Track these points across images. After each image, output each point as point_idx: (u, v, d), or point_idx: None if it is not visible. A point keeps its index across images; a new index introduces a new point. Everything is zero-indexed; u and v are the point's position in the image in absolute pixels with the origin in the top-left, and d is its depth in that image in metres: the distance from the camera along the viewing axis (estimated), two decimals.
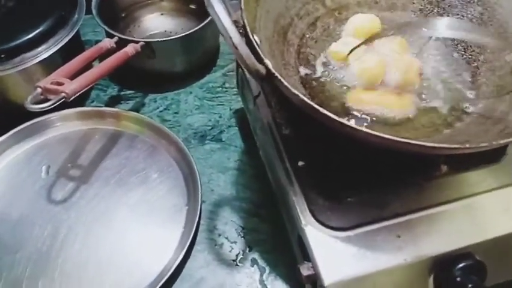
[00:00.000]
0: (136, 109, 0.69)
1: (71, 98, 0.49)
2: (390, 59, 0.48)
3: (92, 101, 0.71)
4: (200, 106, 0.70)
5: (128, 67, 0.64)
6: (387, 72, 0.47)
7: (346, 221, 0.42)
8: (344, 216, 0.42)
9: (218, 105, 0.71)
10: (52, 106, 0.48)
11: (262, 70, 0.35)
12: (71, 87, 0.49)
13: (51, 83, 0.50)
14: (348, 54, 0.47)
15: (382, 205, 0.43)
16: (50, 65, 0.61)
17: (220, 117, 0.69)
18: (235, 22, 0.39)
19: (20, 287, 0.50)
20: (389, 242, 0.41)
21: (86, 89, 0.52)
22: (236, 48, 0.32)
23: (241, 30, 0.38)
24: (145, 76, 0.72)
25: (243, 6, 0.39)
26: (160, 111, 0.69)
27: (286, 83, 0.34)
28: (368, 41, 0.49)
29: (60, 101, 0.49)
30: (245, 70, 0.34)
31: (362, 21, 0.50)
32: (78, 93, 0.50)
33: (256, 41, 0.39)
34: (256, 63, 0.34)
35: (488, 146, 0.32)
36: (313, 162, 0.46)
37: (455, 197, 0.44)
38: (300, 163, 0.46)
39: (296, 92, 0.34)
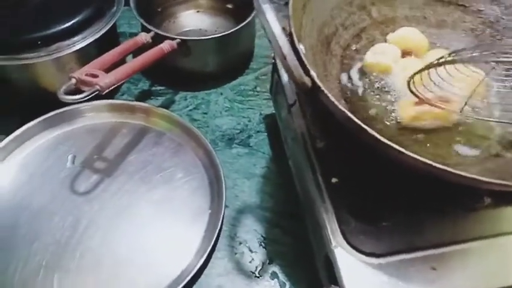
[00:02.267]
0: (166, 106, 0.68)
1: (105, 91, 0.49)
2: (454, 71, 0.46)
3: (123, 94, 0.70)
4: (230, 108, 0.69)
5: (160, 63, 0.63)
6: (452, 84, 0.45)
7: (379, 247, 0.40)
8: (377, 242, 0.40)
9: (248, 108, 0.69)
10: (86, 98, 0.47)
11: (308, 82, 0.33)
12: (105, 81, 0.48)
13: (86, 75, 0.49)
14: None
15: (417, 233, 0.41)
16: (84, 55, 0.61)
17: (249, 121, 0.67)
18: (282, 29, 0.38)
19: (36, 277, 0.50)
20: (422, 274, 0.39)
21: (120, 83, 0.51)
22: (285, 58, 0.31)
23: (287, 38, 0.37)
24: (177, 73, 0.71)
25: (291, 14, 0.38)
26: (190, 110, 0.68)
27: (332, 98, 0.32)
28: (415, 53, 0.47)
29: (94, 94, 0.48)
30: (291, 81, 0.32)
31: (412, 34, 0.48)
32: (112, 87, 0.49)
33: (302, 51, 0.37)
34: (303, 75, 0.32)
35: None
36: (348, 180, 0.44)
37: (497, 233, 0.41)
38: (334, 180, 0.44)
39: (342, 108, 0.32)
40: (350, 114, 0.32)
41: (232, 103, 0.70)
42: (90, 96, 0.48)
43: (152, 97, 0.70)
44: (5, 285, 0.49)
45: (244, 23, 0.67)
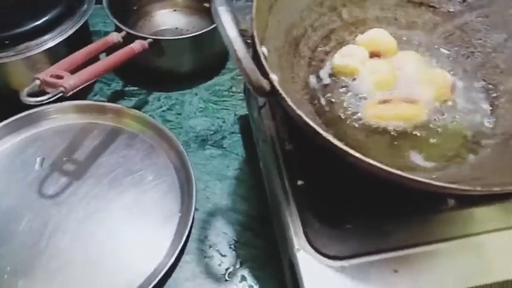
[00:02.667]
0: (139, 106, 0.68)
1: (70, 93, 0.48)
2: (420, 72, 0.46)
3: (95, 95, 0.69)
4: (204, 109, 0.68)
5: (134, 63, 0.62)
6: (417, 85, 0.45)
7: (342, 250, 0.40)
8: (341, 244, 0.40)
9: (223, 109, 0.69)
10: (49, 100, 0.46)
11: (267, 86, 0.33)
12: (70, 82, 0.47)
13: (51, 76, 0.48)
14: None
15: (381, 236, 0.41)
16: (55, 55, 0.60)
17: (223, 122, 0.67)
18: (243, 31, 0.37)
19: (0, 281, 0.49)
20: (384, 276, 0.39)
21: (86, 84, 0.50)
22: (240, 62, 0.30)
23: (248, 40, 0.36)
24: (150, 73, 0.70)
25: (254, 16, 0.37)
26: (163, 111, 0.67)
27: (290, 102, 0.32)
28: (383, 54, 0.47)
29: (58, 95, 0.47)
30: (248, 85, 0.32)
31: (381, 36, 0.48)
32: (77, 88, 0.49)
33: (264, 53, 0.36)
34: (260, 79, 0.32)
35: (500, 190, 0.30)
36: (314, 182, 0.44)
37: (461, 234, 0.41)
38: (300, 182, 0.44)
39: (299, 112, 0.32)
40: (306, 119, 0.31)
41: (207, 104, 0.69)
42: (54, 98, 0.47)
43: (125, 97, 0.69)
44: None
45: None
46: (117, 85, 0.71)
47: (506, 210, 0.42)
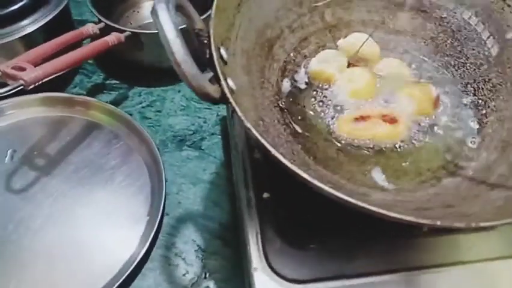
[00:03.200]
0: (119, 101, 0.65)
1: (30, 87, 0.45)
2: (402, 82, 0.42)
3: (75, 87, 0.67)
4: (186, 107, 0.65)
5: (116, 56, 0.59)
6: (398, 98, 0.41)
7: (302, 273, 0.37)
8: (302, 266, 0.37)
9: (205, 108, 0.66)
10: (6, 93, 0.44)
11: (215, 93, 0.30)
12: (31, 75, 0.45)
13: (13, 67, 0.46)
14: None
15: (347, 260, 0.38)
16: (33, 42, 0.57)
17: (204, 122, 0.64)
18: (200, 31, 0.34)
19: None
20: None
21: (50, 77, 0.47)
22: (179, 65, 0.27)
23: (206, 41, 0.33)
24: (132, 67, 0.67)
25: (213, 14, 0.34)
26: (143, 107, 0.65)
27: (240, 113, 0.29)
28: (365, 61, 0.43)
29: (18, 89, 0.45)
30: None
31: (363, 42, 0.44)
32: (40, 82, 0.46)
33: (223, 56, 0.33)
34: (205, 85, 0.29)
35: (464, 227, 0.26)
36: (280, 196, 0.41)
37: (434, 263, 0.38)
38: (265, 195, 0.41)
39: (249, 125, 0.29)
40: (256, 133, 0.28)
41: (189, 102, 0.66)
42: (12, 92, 0.44)
43: (105, 91, 0.66)
44: None
45: (204, 16, 0.63)
46: (98, 78, 0.68)
47: (484, 240, 0.38)
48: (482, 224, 0.26)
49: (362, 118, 0.39)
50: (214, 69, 0.31)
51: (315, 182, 0.26)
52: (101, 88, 0.67)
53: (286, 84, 0.43)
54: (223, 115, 0.65)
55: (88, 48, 0.53)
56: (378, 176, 0.37)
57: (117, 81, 0.68)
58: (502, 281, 0.38)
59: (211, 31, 0.33)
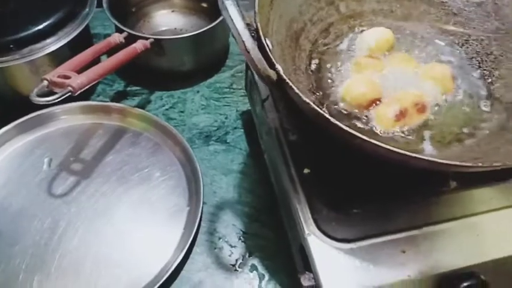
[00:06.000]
0: (142, 106, 0.69)
1: (78, 92, 0.49)
2: (420, 70, 0.47)
3: (98, 96, 0.70)
4: (206, 106, 0.70)
5: (135, 63, 0.63)
6: (419, 81, 0.46)
7: (350, 233, 0.41)
8: (349, 228, 0.42)
9: (225, 106, 0.70)
10: (58, 100, 0.47)
11: (273, 76, 0.34)
12: (77, 81, 0.49)
13: (58, 76, 0.49)
14: None
15: (388, 219, 0.42)
16: (58, 57, 0.61)
17: (226, 118, 0.68)
18: (247, 25, 0.39)
19: (16, 279, 0.50)
20: (393, 257, 0.40)
21: (93, 83, 0.51)
22: (248, 52, 0.32)
23: (253, 34, 0.38)
24: (152, 73, 0.71)
25: (256, 10, 0.39)
26: (166, 110, 0.69)
27: (297, 90, 0.34)
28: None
29: (67, 95, 0.48)
30: (256, 75, 0.33)
31: (375, 37, 0.49)
32: (85, 88, 0.50)
33: (268, 46, 0.38)
34: (267, 69, 0.33)
35: (502, 165, 0.32)
36: (320, 170, 0.45)
37: (462, 214, 0.43)
38: (306, 171, 0.45)
39: (307, 100, 0.33)
40: (313, 105, 0.33)
41: (209, 101, 0.70)
42: (63, 98, 0.48)
43: (128, 97, 0.70)
44: None
45: (218, 20, 0.67)
46: (119, 85, 0.72)
47: (504, 191, 0.44)
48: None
49: (402, 115, 0.43)
50: (266, 57, 0.35)
51: (372, 140, 0.31)
52: (124, 95, 0.70)
53: (312, 72, 0.48)
54: (243, 110, 0.69)
55: (120, 55, 0.57)
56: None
57: (138, 87, 0.71)
58: None
59: (258, 25, 0.37)
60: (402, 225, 0.42)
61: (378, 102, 0.45)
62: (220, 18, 0.68)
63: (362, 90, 0.45)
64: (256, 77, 0.55)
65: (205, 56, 0.72)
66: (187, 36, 0.67)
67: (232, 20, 0.32)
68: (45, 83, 0.49)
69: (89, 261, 0.52)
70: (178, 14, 0.81)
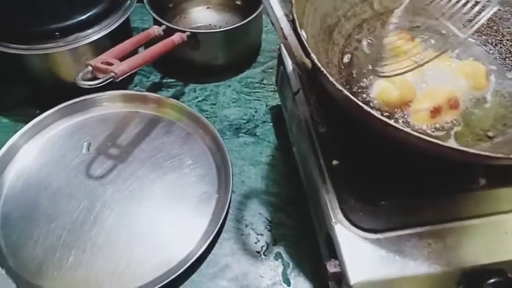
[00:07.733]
0: (176, 97, 0.71)
1: (119, 78, 0.51)
2: (453, 66, 0.48)
3: (135, 86, 0.73)
4: (237, 100, 0.72)
5: (171, 56, 0.66)
6: (453, 77, 0.47)
7: (377, 223, 0.42)
8: (376, 218, 0.42)
9: (255, 100, 0.72)
10: (101, 84, 0.50)
11: (309, 63, 0.36)
12: (120, 68, 0.51)
13: (102, 62, 0.52)
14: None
15: (415, 211, 0.43)
16: (99, 47, 0.64)
17: (256, 111, 0.70)
18: (285, 15, 0.40)
19: (54, 253, 0.53)
20: (419, 249, 0.41)
21: (133, 71, 0.54)
22: (286, 38, 0.33)
23: (290, 24, 0.39)
24: (187, 66, 0.74)
25: (293, 1, 0.40)
26: (199, 101, 0.71)
27: (331, 78, 0.35)
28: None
29: (109, 80, 0.51)
30: (291, 61, 0.35)
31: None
32: (126, 74, 0.52)
33: (304, 36, 0.39)
34: (303, 56, 0.35)
35: None
36: (348, 162, 0.46)
37: (490, 212, 0.43)
38: (335, 162, 0.47)
39: (340, 87, 0.34)
40: (346, 92, 0.34)
41: (240, 95, 0.72)
42: (105, 83, 0.51)
43: (163, 88, 0.73)
44: (26, 256, 0.52)
45: (251, 17, 0.69)
46: (155, 77, 0.75)
47: None
48: None
49: (437, 111, 0.44)
50: (301, 46, 0.37)
51: (405, 128, 0.32)
52: (160, 86, 0.73)
53: (344, 66, 0.49)
54: (272, 105, 0.71)
55: (159, 46, 0.59)
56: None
57: (173, 80, 0.74)
58: None
59: (295, 15, 0.39)
60: (429, 218, 0.42)
61: (410, 103, 0.46)
62: (254, 15, 0.70)
63: (396, 95, 0.46)
64: (288, 70, 0.56)
65: (238, 51, 0.74)
66: (221, 31, 0.69)
67: (272, 7, 0.33)
68: (90, 68, 0.52)
69: (122, 241, 0.54)
70: (213, 11, 0.83)
